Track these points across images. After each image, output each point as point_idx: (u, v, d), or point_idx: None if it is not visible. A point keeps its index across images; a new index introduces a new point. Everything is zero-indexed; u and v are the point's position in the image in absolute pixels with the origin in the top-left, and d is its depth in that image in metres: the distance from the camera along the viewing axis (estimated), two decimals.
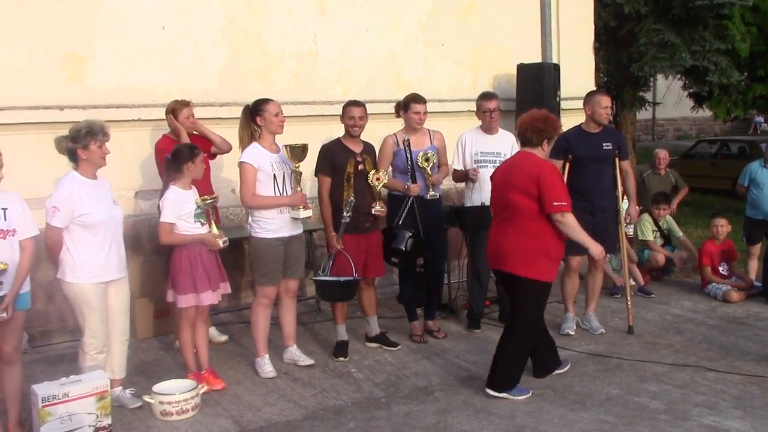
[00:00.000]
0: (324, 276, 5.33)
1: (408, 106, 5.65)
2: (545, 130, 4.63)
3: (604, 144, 5.78)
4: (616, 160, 5.89)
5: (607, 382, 4.87)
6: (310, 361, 5.27)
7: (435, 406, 4.55)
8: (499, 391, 4.60)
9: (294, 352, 5.31)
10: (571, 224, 4.51)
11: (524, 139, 4.70)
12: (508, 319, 4.90)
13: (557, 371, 5.01)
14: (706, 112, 14.06)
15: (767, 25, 11.69)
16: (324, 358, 5.43)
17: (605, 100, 5.81)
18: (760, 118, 28.99)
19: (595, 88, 8.17)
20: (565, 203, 4.47)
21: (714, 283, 7.05)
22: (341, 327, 5.55)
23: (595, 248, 4.73)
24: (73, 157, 4.32)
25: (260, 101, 5.00)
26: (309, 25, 7.15)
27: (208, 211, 4.68)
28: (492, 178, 4.92)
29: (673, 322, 6.22)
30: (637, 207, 6.38)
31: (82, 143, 4.26)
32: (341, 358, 5.39)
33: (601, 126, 5.83)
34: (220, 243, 4.68)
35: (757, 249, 7.45)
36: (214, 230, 4.69)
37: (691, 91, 12.77)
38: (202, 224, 4.65)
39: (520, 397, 4.60)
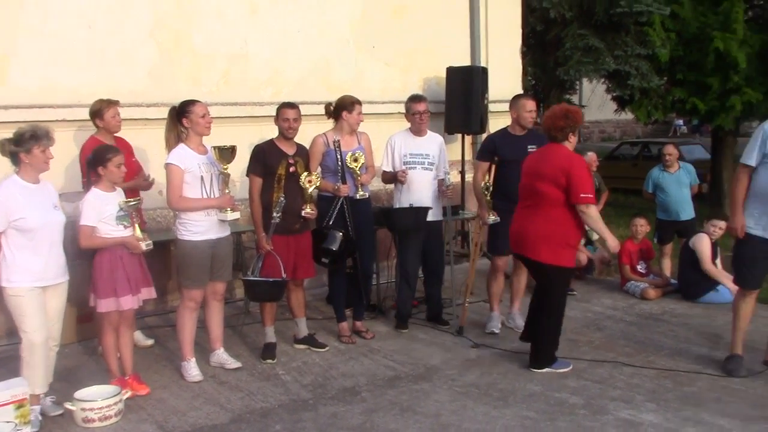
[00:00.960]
0: (253, 277, 5.33)
1: (352, 107, 5.70)
2: (567, 126, 4.97)
3: (529, 146, 5.90)
4: None
5: (530, 379, 5.01)
6: (238, 364, 5.26)
7: (362, 407, 4.61)
8: (542, 368, 5.10)
9: (221, 355, 5.29)
10: (593, 215, 4.89)
11: (551, 137, 5.06)
12: (538, 301, 5.27)
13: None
14: (628, 115, 14.49)
15: (686, 32, 12.11)
16: (252, 361, 5.42)
17: (530, 104, 5.96)
18: (679, 121, 30.12)
19: (522, 92, 8.40)
20: (591, 195, 4.85)
21: (633, 281, 7.33)
22: (269, 329, 5.55)
23: (613, 241, 5.07)
24: (16, 160, 4.28)
25: (186, 102, 4.96)
26: (239, 26, 7.11)
27: (132, 214, 4.62)
28: (523, 165, 5.25)
29: (593, 320, 6.43)
30: None
31: (25, 147, 4.23)
32: (269, 360, 5.40)
33: (526, 129, 5.99)
34: (143, 246, 4.62)
35: (668, 248, 7.81)
36: (138, 233, 4.63)
37: (615, 94, 13.12)
38: (125, 227, 4.59)
39: (562, 370, 5.11)
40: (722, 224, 6.72)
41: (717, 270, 7.03)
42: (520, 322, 6.12)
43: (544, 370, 5.10)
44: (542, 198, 4.94)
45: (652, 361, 5.33)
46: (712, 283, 6.95)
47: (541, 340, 5.16)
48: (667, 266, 7.72)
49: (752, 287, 5.01)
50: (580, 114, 5.13)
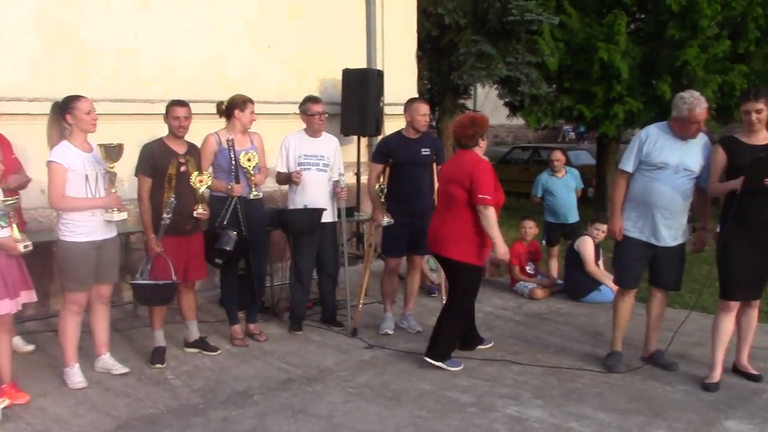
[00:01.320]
0: (142, 279, 5.18)
1: (245, 106, 5.63)
2: (475, 133, 5.23)
3: (422, 149, 6.01)
4: (434, 165, 6.15)
5: (422, 379, 5.08)
6: (125, 369, 5.10)
7: (253, 410, 4.55)
8: (436, 361, 5.20)
9: (107, 361, 5.10)
10: (489, 217, 5.03)
11: (461, 145, 5.30)
12: (447, 296, 5.50)
13: (482, 347, 5.68)
14: (520, 120, 14.96)
15: (573, 42, 12.62)
16: (140, 366, 5.26)
17: (423, 108, 6.05)
18: (568, 127, 31.39)
19: (416, 95, 8.51)
20: (489, 197, 5.03)
21: (521, 282, 7.56)
22: (159, 332, 5.40)
23: (502, 248, 5.12)
24: None
25: (70, 98, 4.76)
26: (129, 20, 6.88)
27: (10, 214, 4.38)
28: (440, 172, 5.61)
29: (484, 319, 6.57)
30: None
31: None
32: (158, 365, 5.25)
33: (420, 132, 6.07)
34: (21, 248, 4.37)
35: (556, 250, 8.09)
36: (16, 234, 4.38)
37: (506, 100, 13.52)
38: (2, 227, 4.34)
39: (454, 369, 5.22)
40: (604, 227, 7.01)
41: (600, 271, 7.35)
42: (413, 323, 6.22)
43: (437, 364, 5.20)
44: (452, 200, 5.16)
45: (539, 359, 5.52)
46: (596, 284, 7.26)
47: (441, 334, 5.27)
48: (555, 267, 8.01)
49: (630, 287, 5.27)
50: (485, 120, 5.37)
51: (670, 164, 4.96)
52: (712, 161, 4.94)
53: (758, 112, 4.72)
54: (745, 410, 4.56)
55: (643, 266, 5.23)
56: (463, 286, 5.27)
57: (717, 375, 4.94)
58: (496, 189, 5.17)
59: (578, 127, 27.74)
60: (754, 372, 5.06)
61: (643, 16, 13.96)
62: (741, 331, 5.08)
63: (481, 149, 5.28)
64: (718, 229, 4.96)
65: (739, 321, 5.02)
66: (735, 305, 4.90)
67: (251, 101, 5.70)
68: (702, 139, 5.06)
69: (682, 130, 4.97)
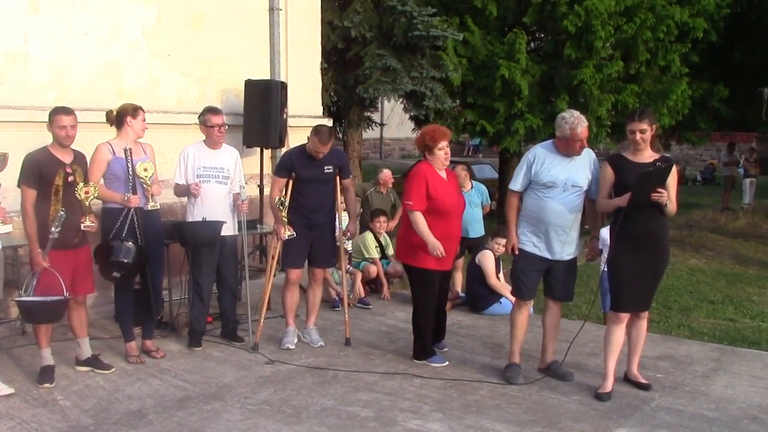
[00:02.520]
0: (27, 296, 4.92)
1: (136, 113, 5.46)
2: (422, 145, 5.62)
3: (325, 167, 5.94)
4: (338, 179, 6.12)
5: (323, 394, 5.03)
6: (10, 390, 4.83)
7: (147, 430, 4.39)
8: (420, 360, 5.69)
9: None
10: (415, 221, 5.45)
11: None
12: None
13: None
14: None
15: (476, 59, 12.90)
16: (26, 386, 5.00)
17: (322, 147, 5.79)
18: (471, 142, 32.11)
19: (321, 108, 8.47)
20: (412, 203, 5.44)
21: None
22: (46, 350, 5.14)
23: (430, 243, 5.38)
24: None
25: None
26: (19, 23, 6.57)
27: None
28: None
29: (387, 333, 6.59)
30: (356, 224, 6.71)
31: None
32: (46, 385, 5.00)
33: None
34: None
35: (459, 263, 8.17)
36: None
37: (412, 114, 13.65)
38: None
39: (438, 365, 5.64)
40: (504, 241, 7.13)
41: (500, 284, 7.49)
42: (315, 337, 6.16)
43: (422, 362, 5.66)
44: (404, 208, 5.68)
45: (439, 371, 5.55)
46: (497, 296, 7.40)
47: (414, 336, 5.76)
48: (459, 280, 8.08)
49: (526, 298, 5.39)
50: (436, 132, 5.59)
51: (559, 182, 5.12)
52: (600, 178, 5.14)
53: (642, 132, 4.94)
54: (635, 419, 4.73)
55: (538, 278, 5.37)
56: (414, 287, 5.73)
57: (609, 385, 5.10)
58: (430, 197, 5.41)
59: (481, 142, 28.40)
60: (643, 381, 5.26)
61: (542, 35, 14.43)
62: (631, 342, 5.27)
63: (435, 159, 5.56)
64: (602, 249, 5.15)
65: (629, 332, 5.21)
66: (625, 317, 5.09)
67: (142, 109, 5.54)
68: (587, 154, 5.26)
69: (567, 149, 5.15)
